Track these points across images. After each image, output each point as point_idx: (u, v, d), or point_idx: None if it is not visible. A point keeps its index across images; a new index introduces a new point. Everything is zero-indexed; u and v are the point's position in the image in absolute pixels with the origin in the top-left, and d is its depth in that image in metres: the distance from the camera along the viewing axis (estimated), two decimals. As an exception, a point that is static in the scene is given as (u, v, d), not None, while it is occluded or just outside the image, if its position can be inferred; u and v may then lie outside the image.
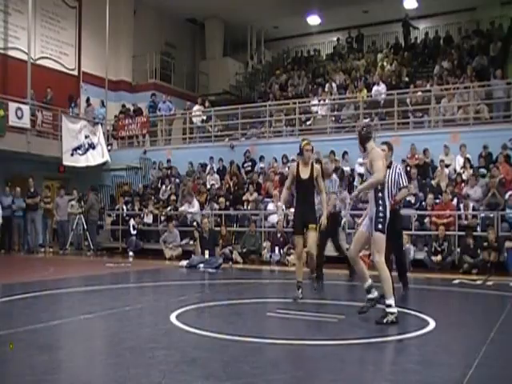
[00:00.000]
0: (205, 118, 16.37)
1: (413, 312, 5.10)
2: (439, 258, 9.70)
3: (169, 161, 15.86)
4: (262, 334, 4.15)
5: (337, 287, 7.22)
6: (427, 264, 9.77)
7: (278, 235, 11.12)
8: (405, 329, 4.34)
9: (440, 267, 9.58)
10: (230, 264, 10.34)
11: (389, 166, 5.32)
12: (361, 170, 12.80)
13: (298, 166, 5.56)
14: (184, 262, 10.11)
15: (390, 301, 4.30)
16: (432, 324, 4.49)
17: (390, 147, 5.55)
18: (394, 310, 4.32)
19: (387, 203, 4.25)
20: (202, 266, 9.82)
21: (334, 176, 5.81)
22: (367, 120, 13.35)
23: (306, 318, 4.74)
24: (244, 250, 11.31)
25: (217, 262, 9.85)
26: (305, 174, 5.50)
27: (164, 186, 14.70)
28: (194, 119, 16.41)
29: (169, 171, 15.25)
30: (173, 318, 4.66)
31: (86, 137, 15.37)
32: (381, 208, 4.20)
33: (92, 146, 15.40)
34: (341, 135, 14.03)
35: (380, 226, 4.19)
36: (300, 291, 5.48)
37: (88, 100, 17.21)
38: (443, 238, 9.80)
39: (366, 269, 4.58)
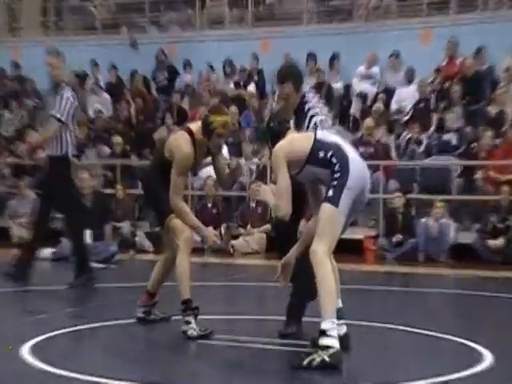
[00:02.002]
0: None
1: (455, 338, 5.27)
2: (501, 242, 9.86)
3: (17, 66, 15.73)
4: (192, 381, 4.34)
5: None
6: (479, 253, 9.97)
7: (209, 205, 11.30)
8: (443, 367, 4.50)
9: (503, 258, 9.74)
10: (131, 253, 10.46)
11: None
12: (362, 86, 12.87)
13: None
14: (48, 251, 10.13)
15: (328, 323, 4.39)
16: (488, 358, 4.66)
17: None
18: (335, 342, 4.36)
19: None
20: None
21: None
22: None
23: (271, 349, 4.92)
24: (156, 230, 11.10)
25: (107, 251, 9.97)
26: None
27: (7, 113, 14.76)
28: None
29: (18, 86, 15.25)
30: (25, 351, 4.76)
31: None
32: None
33: None
34: (327, 26, 14.09)
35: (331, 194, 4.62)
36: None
37: None
38: (508, 209, 9.93)
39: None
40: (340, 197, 4.52)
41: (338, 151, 4.64)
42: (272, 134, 5.08)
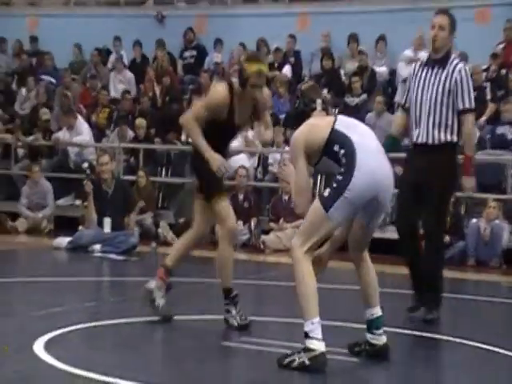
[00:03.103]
0: None
1: (493, 348, 5.25)
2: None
3: (34, 39, 15.78)
4: (212, 382, 4.35)
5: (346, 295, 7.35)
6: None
7: (240, 197, 11.30)
8: (477, 379, 4.60)
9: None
10: (154, 245, 10.47)
11: None
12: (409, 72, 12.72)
13: None
14: (64, 240, 10.20)
15: (309, 326, 4.49)
16: None
17: None
18: (317, 344, 4.45)
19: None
20: (98, 247, 10.01)
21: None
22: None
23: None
24: (181, 221, 11.33)
25: (127, 242, 10.06)
26: None
27: (24, 90, 14.79)
28: None
29: (33, 60, 15.38)
30: (38, 347, 4.78)
31: None
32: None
33: None
34: (372, 3, 13.96)
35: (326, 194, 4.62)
36: None
37: None
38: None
39: None
40: (334, 202, 4.47)
41: (350, 147, 4.53)
42: (296, 115, 5.04)
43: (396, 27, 13.06)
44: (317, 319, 4.45)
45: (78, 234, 10.21)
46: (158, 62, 14.33)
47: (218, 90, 5.40)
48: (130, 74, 14.47)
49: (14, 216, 12.20)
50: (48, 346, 4.78)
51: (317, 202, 4.53)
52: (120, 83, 14.32)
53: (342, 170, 4.52)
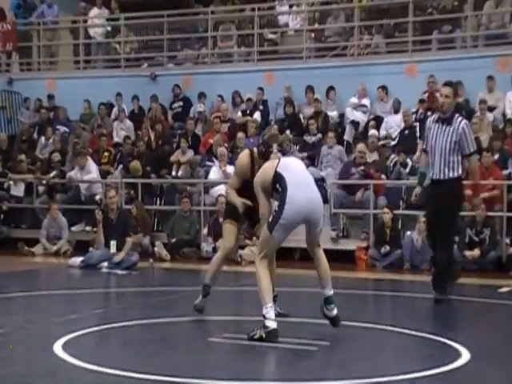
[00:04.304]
0: (110, 29, 16.38)
1: (436, 337, 5.27)
2: (477, 252, 9.82)
3: (51, 97, 15.66)
4: (202, 372, 4.29)
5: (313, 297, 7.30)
6: (458, 262, 9.87)
7: (220, 219, 11.21)
8: (423, 363, 4.53)
9: (478, 267, 9.75)
10: (151, 262, 10.39)
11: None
12: (355, 115, 12.93)
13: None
14: (77, 260, 10.17)
15: (265, 310, 5.05)
16: (465, 355, 4.66)
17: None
18: (271, 323, 4.97)
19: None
20: (105, 265, 9.93)
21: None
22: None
23: (269, 346, 4.91)
24: (173, 241, 11.39)
25: (129, 260, 9.98)
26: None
27: (43, 138, 14.64)
28: (93, 31, 16.34)
29: (51, 114, 15.26)
30: (58, 347, 4.78)
31: None
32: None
33: None
34: (324, 61, 14.10)
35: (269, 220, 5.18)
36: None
37: None
38: (483, 223, 9.96)
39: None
40: (274, 226, 5.05)
41: (284, 185, 5.07)
42: (259, 155, 5.54)
43: (343, 80, 13.19)
44: (270, 304, 5.02)
45: (89, 255, 10.13)
46: (152, 113, 14.22)
47: (242, 160, 5.79)
48: (129, 123, 14.33)
49: (35, 241, 11.97)
50: (65, 347, 4.79)
51: (265, 227, 5.13)
52: (121, 130, 14.22)
53: (280, 202, 5.10)
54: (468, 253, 9.79)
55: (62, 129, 14.76)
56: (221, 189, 11.81)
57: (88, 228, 12.04)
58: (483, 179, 10.30)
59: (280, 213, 5.05)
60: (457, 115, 7.08)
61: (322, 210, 5.24)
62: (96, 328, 5.52)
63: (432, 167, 7.01)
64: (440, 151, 6.88)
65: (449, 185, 6.92)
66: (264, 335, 4.92)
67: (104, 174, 13.02)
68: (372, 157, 11.58)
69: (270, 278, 5.19)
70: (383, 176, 11.31)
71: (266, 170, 5.24)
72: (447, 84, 7.21)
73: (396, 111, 12.57)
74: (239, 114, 13.81)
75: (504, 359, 4.81)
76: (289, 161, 5.39)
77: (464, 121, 7.01)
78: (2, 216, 13.11)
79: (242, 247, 10.94)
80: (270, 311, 4.98)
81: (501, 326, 6.26)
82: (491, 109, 11.96)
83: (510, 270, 9.50)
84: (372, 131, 12.07)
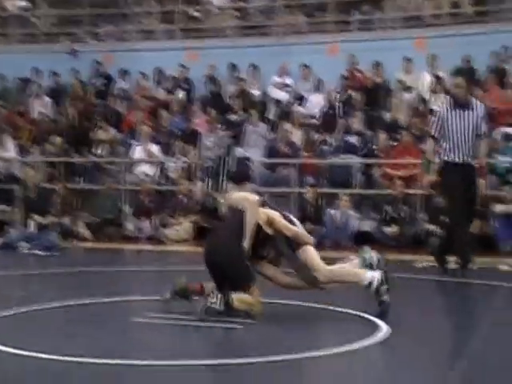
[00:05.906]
0: (26, 3, 16.12)
1: (356, 312, 5.35)
2: (395, 229, 10.06)
3: None
4: (125, 352, 4.29)
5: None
6: (377, 238, 10.16)
7: (145, 199, 11.41)
8: (342, 339, 4.53)
9: (396, 243, 9.92)
10: (73, 242, 10.36)
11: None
12: (277, 93, 12.99)
13: None
14: None
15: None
16: (384, 330, 4.72)
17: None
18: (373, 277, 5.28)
19: None
20: (25, 245, 9.85)
21: None
22: None
23: (192, 325, 4.91)
24: (96, 221, 11.29)
25: (50, 240, 9.90)
26: None
27: None
28: (8, 4, 16.17)
29: None
30: None
31: None
32: None
33: None
34: (247, 39, 14.12)
35: None
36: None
37: None
38: (402, 200, 10.19)
39: None
40: None
41: None
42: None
43: (266, 59, 13.24)
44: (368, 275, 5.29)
45: (7, 235, 10.04)
46: (72, 89, 14.06)
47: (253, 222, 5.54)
48: (47, 99, 14.03)
49: None
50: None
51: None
52: (39, 107, 13.87)
53: None
54: (387, 229, 10.06)
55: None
56: (145, 168, 11.81)
57: (5, 207, 11.79)
58: (401, 157, 10.66)
59: None
60: (474, 100, 7.46)
61: None
62: (16, 311, 5.41)
63: (453, 151, 7.22)
64: (464, 135, 7.18)
65: (474, 167, 7.39)
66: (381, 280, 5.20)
67: (23, 152, 12.73)
68: (296, 135, 11.73)
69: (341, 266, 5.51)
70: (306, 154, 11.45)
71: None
72: (457, 72, 7.53)
73: (318, 90, 12.72)
74: (162, 92, 13.68)
75: (422, 333, 4.92)
76: None
77: (481, 104, 7.44)
78: None
79: (164, 225, 10.91)
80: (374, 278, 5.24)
81: (419, 300, 6.41)
82: (408, 89, 12.22)
83: (425, 246, 9.74)
84: (296, 108, 12.19)
